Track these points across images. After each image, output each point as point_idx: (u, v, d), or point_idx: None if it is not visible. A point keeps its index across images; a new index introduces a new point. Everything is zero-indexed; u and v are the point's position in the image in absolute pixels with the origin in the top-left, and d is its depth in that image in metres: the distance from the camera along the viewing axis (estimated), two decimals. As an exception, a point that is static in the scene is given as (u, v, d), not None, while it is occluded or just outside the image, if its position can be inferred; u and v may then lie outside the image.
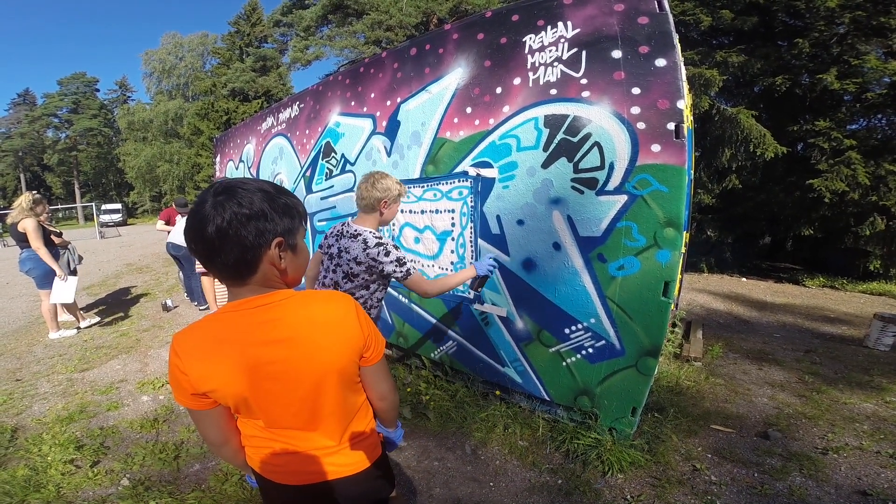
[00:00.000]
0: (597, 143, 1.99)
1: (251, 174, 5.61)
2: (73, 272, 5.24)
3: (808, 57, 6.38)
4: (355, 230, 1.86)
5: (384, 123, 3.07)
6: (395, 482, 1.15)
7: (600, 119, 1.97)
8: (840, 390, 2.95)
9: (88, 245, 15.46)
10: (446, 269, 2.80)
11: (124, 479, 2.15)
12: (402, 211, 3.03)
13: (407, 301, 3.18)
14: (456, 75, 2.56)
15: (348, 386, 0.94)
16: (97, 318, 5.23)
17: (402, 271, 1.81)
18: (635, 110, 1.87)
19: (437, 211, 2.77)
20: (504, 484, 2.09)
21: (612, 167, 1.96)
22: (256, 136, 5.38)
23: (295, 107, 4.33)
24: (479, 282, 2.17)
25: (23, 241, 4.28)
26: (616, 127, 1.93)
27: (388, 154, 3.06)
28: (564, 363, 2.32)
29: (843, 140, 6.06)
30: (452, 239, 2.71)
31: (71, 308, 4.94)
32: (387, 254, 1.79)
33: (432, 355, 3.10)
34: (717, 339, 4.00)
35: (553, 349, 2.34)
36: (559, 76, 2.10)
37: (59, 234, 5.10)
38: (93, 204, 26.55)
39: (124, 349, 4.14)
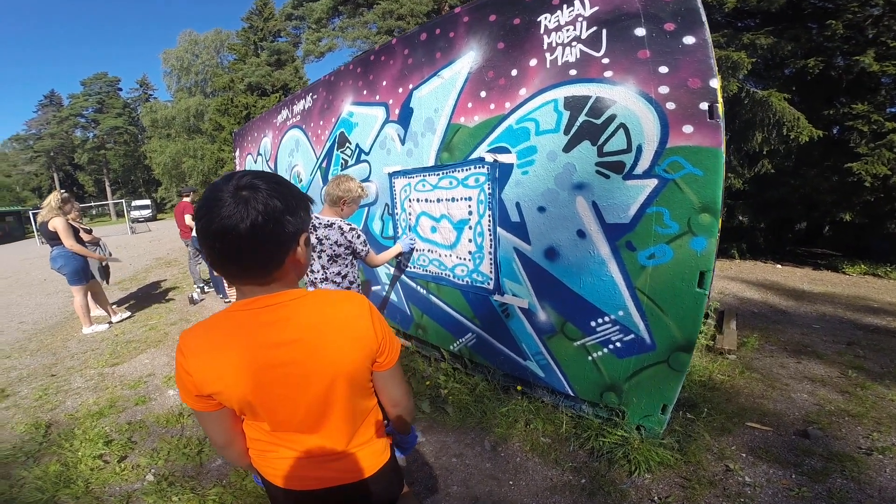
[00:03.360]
0: (622, 125, 1.86)
1: (269, 167, 5.65)
2: (106, 266, 5.44)
3: (841, 39, 6.03)
4: (328, 221, 2.30)
5: (397, 111, 2.99)
6: (403, 483, 1.11)
7: (625, 99, 1.84)
8: (886, 386, 2.75)
9: (120, 241, 16.08)
10: (464, 259, 2.73)
11: (149, 474, 2.19)
12: (417, 200, 2.96)
13: (425, 292, 3.12)
14: (468, 59, 2.45)
15: (358, 392, 0.89)
16: (128, 313, 5.40)
17: (366, 250, 2.39)
18: (664, 90, 1.74)
19: (453, 199, 2.69)
20: (524, 482, 2.03)
21: (639, 150, 1.83)
22: (273, 128, 5.40)
23: (308, 98, 4.29)
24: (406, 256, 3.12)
25: (53, 239, 4.41)
26: (643, 107, 1.80)
27: (402, 142, 2.98)
28: (590, 357, 2.22)
29: (885, 123, 5.73)
30: (470, 227, 2.62)
31: (103, 303, 5.11)
32: (358, 237, 2.33)
33: (451, 347, 3.05)
34: (751, 331, 3.80)
35: (578, 343, 2.25)
36: (579, 56, 1.97)
37: (90, 231, 5.29)
38: (123, 201, 27.55)
39: (153, 343, 4.25)
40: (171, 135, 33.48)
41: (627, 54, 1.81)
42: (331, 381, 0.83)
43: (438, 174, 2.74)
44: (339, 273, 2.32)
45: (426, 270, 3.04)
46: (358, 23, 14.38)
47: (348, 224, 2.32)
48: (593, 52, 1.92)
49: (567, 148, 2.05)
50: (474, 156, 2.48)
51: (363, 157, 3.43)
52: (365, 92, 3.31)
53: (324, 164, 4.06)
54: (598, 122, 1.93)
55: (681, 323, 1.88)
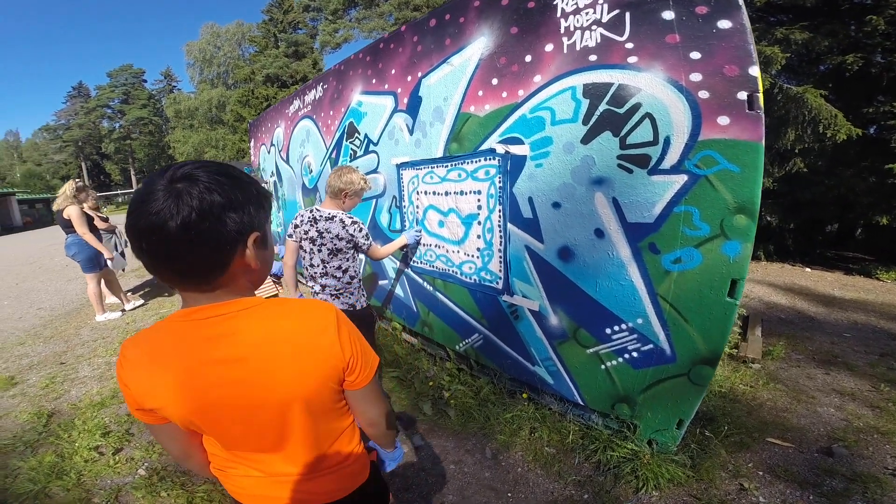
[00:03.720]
0: (648, 115, 1.69)
1: (281, 158, 5.60)
2: (121, 255, 5.50)
3: (882, 35, 5.73)
4: (329, 213, 2.19)
5: (405, 100, 2.86)
6: (388, 498, 1.01)
7: (652, 87, 1.67)
8: (921, 402, 2.54)
9: (140, 229, 16.37)
10: (472, 256, 2.60)
11: (142, 468, 2.15)
12: (425, 193, 2.83)
13: (432, 289, 3.01)
14: (479, 45, 2.31)
15: (322, 415, 0.78)
16: (141, 301, 5.44)
17: (368, 243, 2.25)
18: (695, 77, 1.58)
19: (461, 192, 2.55)
20: (523, 495, 1.92)
21: (667, 142, 1.66)
22: (285, 119, 5.35)
23: (319, 88, 4.21)
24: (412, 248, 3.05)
25: (68, 226, 4.46)
26: (672, 96, 1.63)
27: (411, 132, 2.86)
28: (603, 366, 2.08)
29: (929, 123, 5.37)
30: (479, 223, 2.49)
31: (116, 291, 5.17)
32: (360, 230, 2.21)
33: (457, 347, 2.93)
34: (778, 338, 3.59)
35: (591, 350, 2.11)
36: (599, 41, 1.81)
37: (106, 220, 5.33)
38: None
39: (160, 332, 4.25)
40: (194, 125, 34.11)
41: (654, 39, 1.66)
42: (285, 404, 0.72)
43: (447, 166, 2.61)
44: (339, 267, 2.22)
45: (433, 266, 2.93)
46: (374, 14, 14.29)
47: (350, 217, 2.21)
48: (616, 36, 1.77)
49: (586, 139, 1.89)
50: (484, 147, 2.34)
51: (371, 147, 3.32)
52: (374, 81, 3.19)
53: (333, 155, 3.97)
54: (621, 111, 1.76)
55: (706, 335, 1.72)
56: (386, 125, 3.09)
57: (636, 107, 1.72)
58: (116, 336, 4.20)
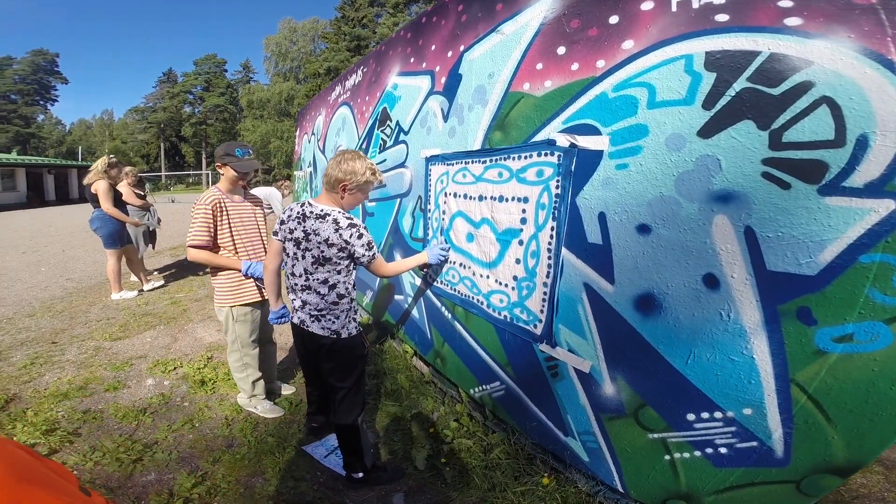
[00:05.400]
0: (826, 100, 1.02)
1: (319, 148, 5.30)
2: (153, 233, 5.48)
3: None
4: (322, 210, 1.70)
5: (443, 80, 2.31)
6: None
7: (832, 61, 1.02)
8: None
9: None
10: (505, 286, 1.98)
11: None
12: (454, 195, 2.25)
13: (450, 317, 2.42)
14: (541, 7, 1.72)
15: None
16: (161, 282, 5.32)
17: (369, 255, 1.72)
18: (917, 51, 0.92)
19: (501, 198, 1.94)
20: None
21: (862, 144, 0.97)
22: (326, 106, 5.05)
23: (359, 72, 3.80)
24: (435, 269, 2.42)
25: (95, 201, 4.45)
26: (872, 74, 0.97)
27: (445, 119, 2.30)
28: (668, 457, 1.45)
29: None
30: (520, 242, 1.86)
31: (137, 269, 5.05)
32: (360, 236, 1.68)
33: (472, 391, 2.35)
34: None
35: (655, 435, 1.46)
36: (730, -4, 1.17)
37: (143, 197, 5.34)
38: (209, 172, 30.03)
39: (166, 319, 4.00)
40: (264, 116, 35.98)
41: (829, -4, 1.02)
42: None
43: (484, 162, 2.01)
44: (325, 281, 1.68)
45: (454, 290, 2.33)
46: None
47: (347, 217, 1.67)
48: (758, -11, 1.13)
49: (707, 131, 1.21)
50: (539, 137, 1.71)
51: (402, 136, 2.80)
52: (412, 60, 2.68)
53: (364, 145, 3.51)
54: (775, 92, 1.09)
55: (855, 441, 1.09)
56: (419, 110, 2.55)
57: (804, 87, 1.04)
58: (120, 318, 3.99)
